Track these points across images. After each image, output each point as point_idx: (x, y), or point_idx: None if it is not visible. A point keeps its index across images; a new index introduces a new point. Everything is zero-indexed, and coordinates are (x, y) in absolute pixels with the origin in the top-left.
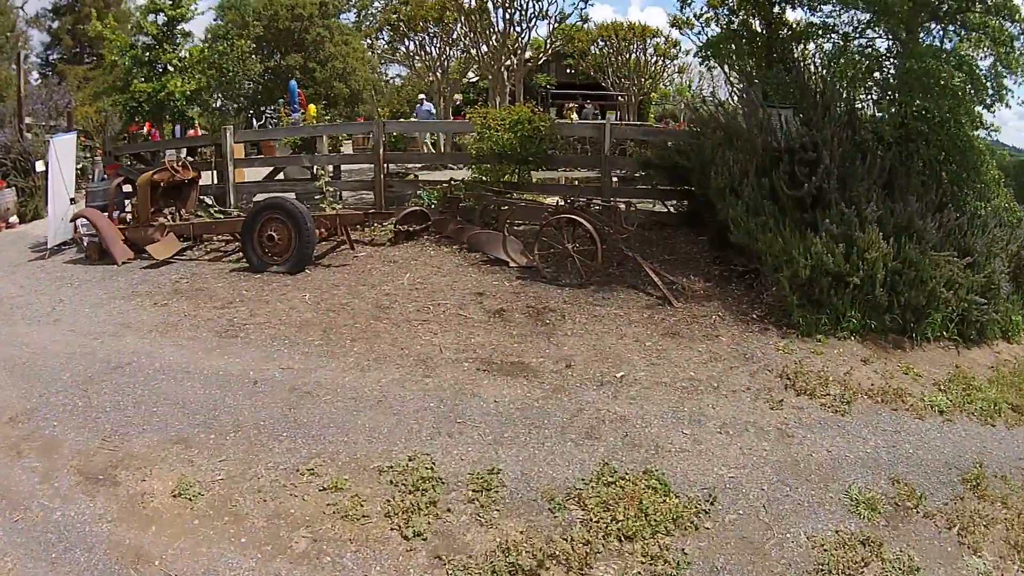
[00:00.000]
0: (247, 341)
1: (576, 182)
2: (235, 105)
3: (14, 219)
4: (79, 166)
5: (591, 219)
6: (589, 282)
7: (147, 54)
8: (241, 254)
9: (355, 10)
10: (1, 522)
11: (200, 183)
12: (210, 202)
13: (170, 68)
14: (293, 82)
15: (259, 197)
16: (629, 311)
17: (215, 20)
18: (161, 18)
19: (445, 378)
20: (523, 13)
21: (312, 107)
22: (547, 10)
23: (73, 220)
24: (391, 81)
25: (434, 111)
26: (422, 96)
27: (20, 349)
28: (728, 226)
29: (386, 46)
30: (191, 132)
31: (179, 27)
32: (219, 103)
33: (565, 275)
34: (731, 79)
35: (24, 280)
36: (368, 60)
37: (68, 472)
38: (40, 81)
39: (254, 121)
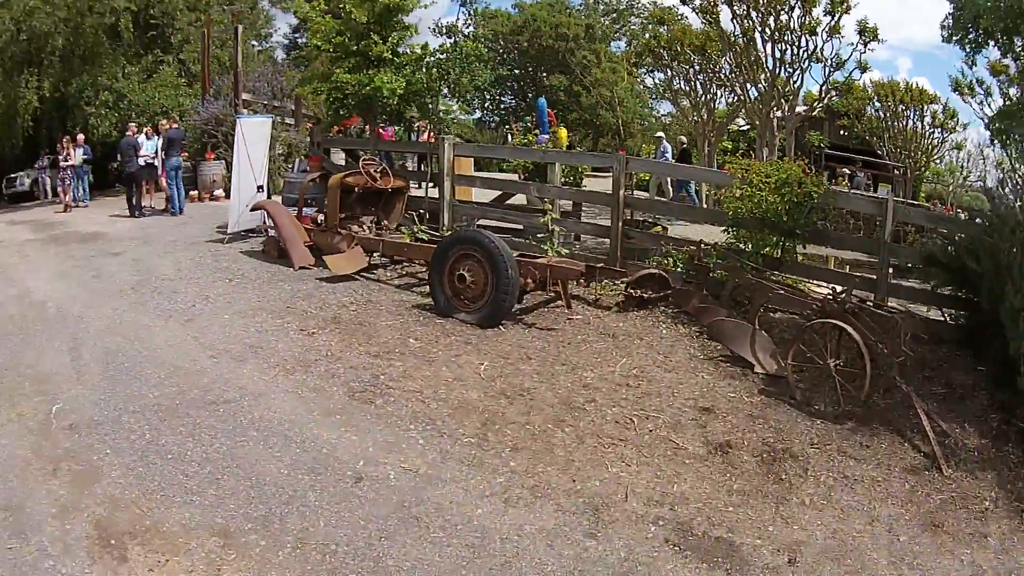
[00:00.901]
0: (380, 413)
1: (847, 267)
2: (495, 118)
3: (219, 192)
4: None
5: (862, 331)
6: (847, 415)
7: (355, 44)
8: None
9: (624, 38)
10: None
11: (411, 194)
12: (419, 219)
13: (384, 61)
14: (542, 100)
15: (482, 222)
16: (889, 475)
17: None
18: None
19: (615, 545)
20: (795, 50)
21: (563, 131)
22: (821, 49)
23: (254, 210)
24: (660, 118)
25: (670, 153)
26: (660, 135)
27: (130, 343)
28: (1017, 364)
29: (649, 77)
30: (385, 133)
31: (397, 18)
32: (473, 113)
33: (820, 398)
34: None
35: (186, 262)
36: (637, 93)
37: (85, 519)
38: (270, 62)
39: (509, 137)
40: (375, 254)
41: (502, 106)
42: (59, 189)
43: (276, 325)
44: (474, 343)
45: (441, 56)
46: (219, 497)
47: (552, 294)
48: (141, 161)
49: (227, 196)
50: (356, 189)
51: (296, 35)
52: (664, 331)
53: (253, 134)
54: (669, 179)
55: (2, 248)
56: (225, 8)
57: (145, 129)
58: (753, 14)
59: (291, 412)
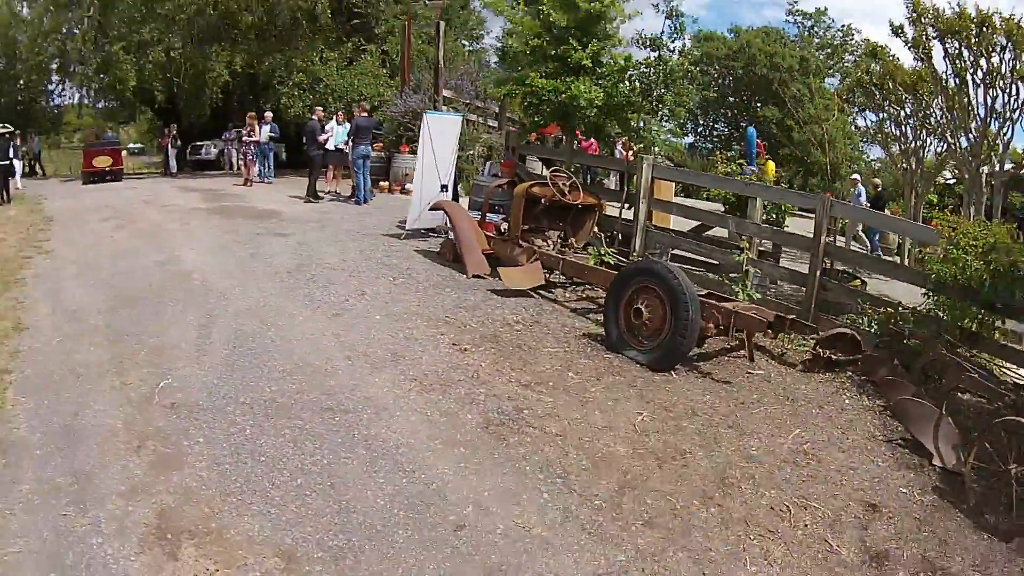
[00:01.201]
0: (510, 454)
1: None
2: (708, 145)
3: (411, 186)
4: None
5: None
6: (1019, 531)
7: (553, 48)
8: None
9: (838, 75)
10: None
11: (606, 214)
12: (610, 241)
13: (584, 69)
14: (752, 129)
15: (676, 252)
16: None
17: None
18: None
19: None
20: (1007, 98)
21: (771, 164)
22: None
23: (432, 209)
24: (870, 163)
25: (864, 196)
26: (855, 176)
27: (266, 330)
28: None
29: (860, 118)
30: (588, 146)
31: (599, 26)
32: (685, 137)
33: (992, 507)
34: None
35: (354, 253)
36: (850, 134)
37: (151, 505)
38: (475, 63)
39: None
40: (554, 272)
41: (715, 133)
42: (240, 163)
43: (428, 335)
44: (638, 387)
45: (645, 70)
46: (299, 515)
47: (735, 342)
48: (330, 146)
49: (402, 191)
50: (543, 201)
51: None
52: (847, 401)
53: (440, 130)
54: (860, 226)
55: (166, 213)
56: (428, 3)
57: (336, 114)
58: (965, 52)
59: (411, 435)
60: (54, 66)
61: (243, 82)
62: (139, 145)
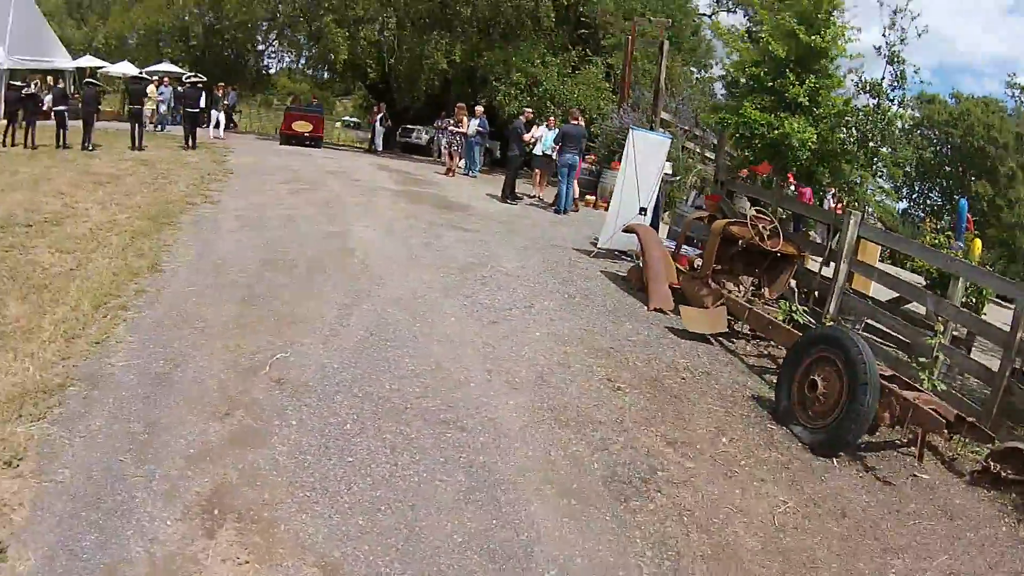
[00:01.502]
0: (623, 520)
1: None
2: (920, 212)
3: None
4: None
5: None
6: None
7: (770, 79)
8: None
9: None
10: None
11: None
12: (805, 297)
13: (800, 107)
14: (963, 201)
15: (871, 323)
16: None
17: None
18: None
19: None
20: None
21: (978, 243)
22: None
23: (626, 231)
24: None
25: None
26: None
27: (411, 324)
28: None
29: None
30: (803, 193)
31: (819, 63)
32: (899, 201)
33: None
34: None
35: (535, 262)
36: None
37: (210, 476)
38: (696, 88)
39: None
40: (739, 321)
41: (928, 201)
42: (445, 152)
43: (585, 364)
44: (792, 470)
45: (863, 117)
46: (361, 530)
47: (908, 436)
48: (538, 151)
49: None
50: (740, 242)
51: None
52: (1004, 528)
53: (647, 150)
54: None
55: (351, 187)
56: (652, 20)
57: (548, 120)
58: None
59: (522, 472)
60: (263, 27)
61: (461, 73)
62: (354, 119)
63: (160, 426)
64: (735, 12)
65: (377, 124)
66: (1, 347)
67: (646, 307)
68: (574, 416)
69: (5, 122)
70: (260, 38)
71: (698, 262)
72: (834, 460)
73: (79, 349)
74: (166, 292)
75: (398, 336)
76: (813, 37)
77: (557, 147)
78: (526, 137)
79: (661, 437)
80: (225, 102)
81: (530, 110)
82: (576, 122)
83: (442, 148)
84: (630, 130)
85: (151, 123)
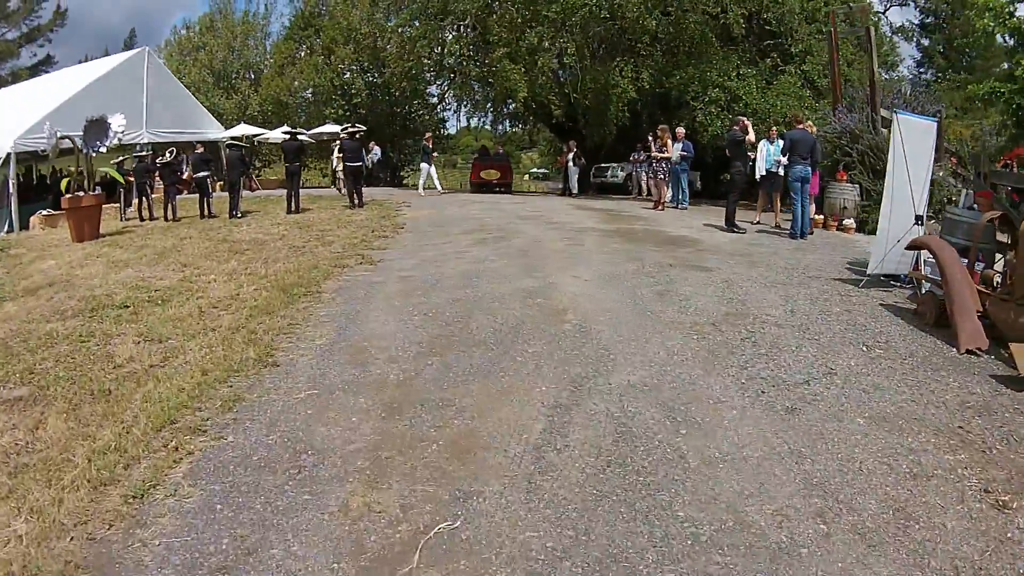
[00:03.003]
0: None
1: None
2: None
3: (849, 222)
4: None
5: None
6: None
7: None
8: None
9: None
10: None
11: None
12: None
13: None
14: None
15: None
16: None
17: None
18: None
19: None
20: None
21: None
22: None
23: (910, 248)
24: None
25: None
26: None
27: (672, 424)
28: None
29: None
30: None
31: None
32: None
33: None
34: None
35: (803, 303)
36: None
37: None
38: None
39: None
40: None
41: None
42: (651, 183)
43: (941, 466)
44: None
45: None
46: None
47: None
48: (762, 167)
49: (858, 228)
50: None
51: (920, 69)
52: None
53: (914, 141)
54: None
55: (551, 231)
56: (852, 4)
57: (769, 132)
58: None
59: None
60: (429, 76)
61: (651, 100)
62: (542, 170)
63: None
64: (907, 5)
65: (570, 164)
66: (8, 491)
67: (956, 349)
68: None
69: (136, 198)
70: (429, 87)
71: (997, 279)
72: None
73: (105, 508)
74: (270, 400)
75: (653, 460)
76: None
77: (780, 162)
78: (750, 138)
79: None
80: (371, 157)
81: (745, 118)
82: (802, 127)
83: (642, 181)
84: (893, 113)
85: (337, 187)
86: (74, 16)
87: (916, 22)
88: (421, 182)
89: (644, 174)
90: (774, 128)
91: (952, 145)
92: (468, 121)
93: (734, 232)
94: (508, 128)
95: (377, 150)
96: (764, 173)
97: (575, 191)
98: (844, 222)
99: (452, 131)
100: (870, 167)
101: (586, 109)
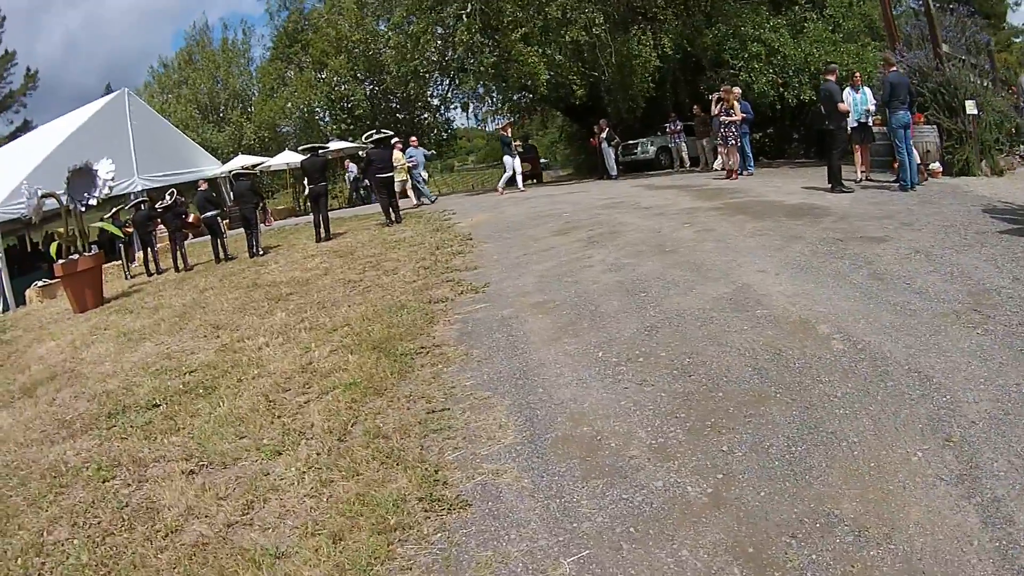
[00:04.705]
0: None
1: None
2: None
3: (936, 165)
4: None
5: None
6: None
7: None
8: None
9: None
10: None
11: None
12: None
13: None
14: None
15: None
16: None
17: None
18: None
19: None
20: None
21: None
22: None
23: None
24: None
25: None
26: None
27: None
28: None
29: None
30: None
31: None
32: None
33: None
34: None
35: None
36: None
37: None
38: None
39: None
40: None
41: None
42: (720, 151)
43: None
44: None
45: None
46: None
47: None
48: (851, 120)
49: (945, 174)
50: None
51: None
52: None
53: None
54: None
55: (655, 217)
56: None
57: (854, 77)
58: None
59: None
60: (435, 75)
61: (674, 66)
62: (543, 160)
63: None
64: None
65: (604, 145)
66: None
67: None
68: None
69: (140, 251)
70: (435, 87)
71: None
72: None
73: None
74: None
75: None
76: None
77: (869, 111)
78: (842, 107)
79: None
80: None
81: (836, 66)
82: (895, 69)
83: (683, 152)
84: None
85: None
86: (47, 81)
87: None
88: (503, 179)
89: (683, 145)
90: (857, 74)
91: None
92: (477, 119)
93: (843, 192)
94: (515, 120)
95: (353, 167)
96: (855, 125)
97: (614, 173)
98: (931, 167)
99: (455, 123)
100: (945, 105)
101: (610, 84)
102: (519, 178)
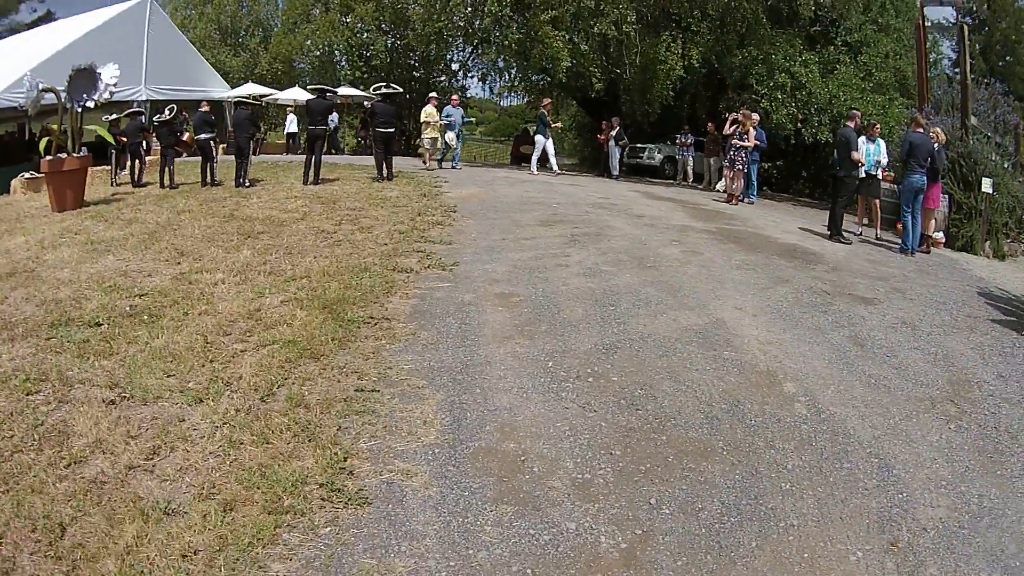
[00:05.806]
0: None
1: None
2: None
3: (939, 236)
4: None
5: None
6: None
7: None
8: None
9: None
10: None
11: None
12: None
13: None
14: None
15: None
16: None
17: None
18: None
19: None
20: None
21: None
22: None
23: None
24: None
25: None
26: None
27: None
28: None
29: None
30: None
31: None
32: None
33: None
34: None
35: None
36: None
37: None
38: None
39: None
40: None
41: None
42: (726, 173)
43: None
44: None
45: None
46: None
47: None
48: (862, 170)
49: (946, 245)
50: None
51: (956, 70)
52: None
53: None
54: None
55: (646, 228)
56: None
57: (872, 128)
58: None
59: None
60: (459, 40)
61: (698, 80)
62: None
63: None
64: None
65: (612, 144)
66: None
67: None
68: None
69: (129, 159)
70: (456, 53)
71: None
72: None
73: None
74: None
75: None
76: None
77: (880, 163)
78: (855, 156)
79: None
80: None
81: (859, 113)
82: (920, 130)
83: (688, 167)
84: None
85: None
86: None
87: (952, 21)
88: (535, 159)
89: (689, 159)
90: (877, 126)
91: None
92: (492, 92)
93: (841, 242)
94: (526, 102)
95: (292, 117)
96: (863, 176)
97: (616, 173)
98: (934, 235)
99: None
100: (962, 177)
101: (629, 84)
102: (553, 160)
